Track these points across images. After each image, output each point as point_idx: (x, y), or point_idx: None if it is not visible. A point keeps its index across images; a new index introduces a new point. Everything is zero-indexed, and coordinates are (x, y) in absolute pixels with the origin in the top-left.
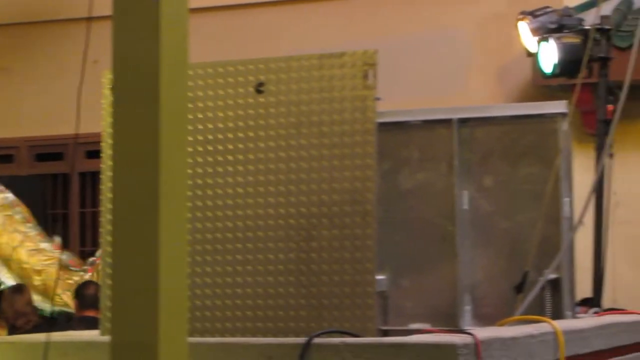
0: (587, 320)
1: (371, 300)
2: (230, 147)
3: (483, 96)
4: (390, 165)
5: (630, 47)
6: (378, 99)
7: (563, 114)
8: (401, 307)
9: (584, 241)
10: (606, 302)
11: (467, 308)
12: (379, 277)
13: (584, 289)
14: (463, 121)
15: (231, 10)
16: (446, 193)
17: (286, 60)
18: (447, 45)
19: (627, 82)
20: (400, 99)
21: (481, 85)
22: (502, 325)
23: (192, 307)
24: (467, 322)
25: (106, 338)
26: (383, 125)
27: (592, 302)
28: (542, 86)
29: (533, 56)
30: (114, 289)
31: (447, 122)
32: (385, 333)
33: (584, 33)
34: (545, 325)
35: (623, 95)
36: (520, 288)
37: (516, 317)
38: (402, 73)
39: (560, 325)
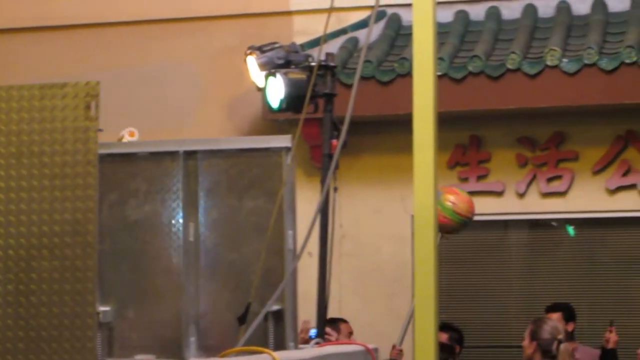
0: (308, 351)
1: (91, 332)
2: None
3: (214, 129)
4: (117, 196)
5: None
6: (100, 130)
7: (287, 148)
8: (127, 338)
9: (312, 273)
10: None
11: (192, 339)
12: (104, 308)
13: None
14: (190, 154)
15: None
16: (172, 225)
17: (7, 90)
18: (178, 78)
19: (348, 117)
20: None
21: (212, 118)
22: (224, 356)
23: None
24: (192, 353)
25: None
26: (110, 157)
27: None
28: (272, 120)
29: (262, 91)
30: None
31: (173, 154)
32: None
33: (310, 69)
34: (266, 356)
35: (344, 130)
36: (242, 319)
37: (238, 348)
38: (133, 105)
39: (280, 355)
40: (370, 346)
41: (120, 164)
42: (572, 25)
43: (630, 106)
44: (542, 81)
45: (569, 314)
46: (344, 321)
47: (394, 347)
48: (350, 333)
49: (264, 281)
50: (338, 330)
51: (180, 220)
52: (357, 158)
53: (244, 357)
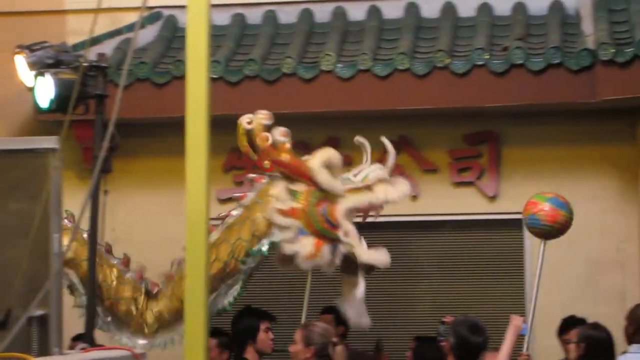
0: (73, 356)
1: None
2: None
3: None
4: None
5: (129, 85)
6: None
7: (54, 150)
8: None
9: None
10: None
11: None
12: None
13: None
14: None
15: None
16: None
17: None
18: None
19: (114, 119)
20: None
21: None
22: None
23: None
24: None
25: None
26: None
27: (84, 338)
28: (43, 121)
29: (32, 91)
30: None
31: None
32: None
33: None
34: None
35: (109, 131)
36: (3, 324)
37: None
38: None
39: None
40: (137, 351)
41: None
42: (347, 31)
43: (403, 112)
44: (317, 86)
45: (341, 317)
46: None
47: (521, 354)
48: None
49: (28, 286)
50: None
51: None
52: (132, 161)
53: None
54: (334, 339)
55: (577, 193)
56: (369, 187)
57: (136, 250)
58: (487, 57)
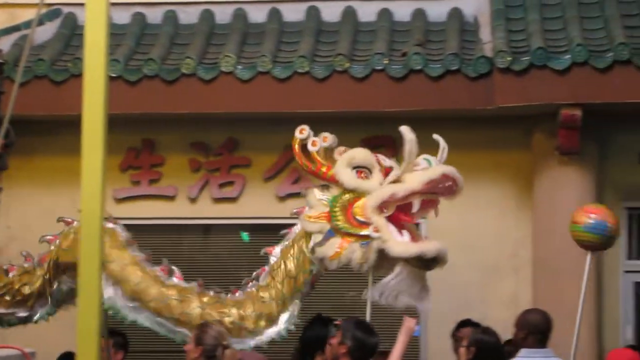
0: None
1: None
2: None
3: None
4: None
5: (27, 82)
6: None
7: None
8: None
9: None
10: None
11: None
12: None
13: None
14: None
15: None
16: None
17: None
18: None
19: (8, 115)
20: None
21: None
22: None
23: None
24: None
25: None
26: None
27: None
28: None
29: None
30: None
31: None
32: None
33: None
34: None
35: (4, 128)
36: None
37: None
38: None
39: None
40: (27, 350)
41: None
42: (247, 32)
43: (302, 115)
44: (217, 87)
45: None
46: None
47: None
48: None
49: None
50: None
51: None
52: (29, 159)
53: None
54: (225, 342)
55: (473, 199)
56: (399, 179)
57: (32, 249)
58: (387, 62)
